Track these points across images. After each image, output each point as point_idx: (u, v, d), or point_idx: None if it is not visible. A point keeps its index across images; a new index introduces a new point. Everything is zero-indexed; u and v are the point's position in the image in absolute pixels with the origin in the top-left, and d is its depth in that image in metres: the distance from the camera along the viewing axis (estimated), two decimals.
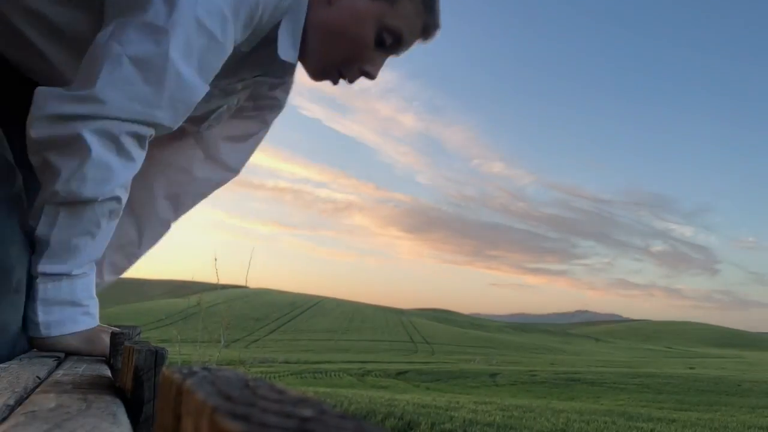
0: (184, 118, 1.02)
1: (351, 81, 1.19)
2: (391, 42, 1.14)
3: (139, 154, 1.00)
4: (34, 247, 0.98)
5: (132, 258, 1.41)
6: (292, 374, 22.61)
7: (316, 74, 1.20)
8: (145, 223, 1.40)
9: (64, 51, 1.10)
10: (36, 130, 0.92)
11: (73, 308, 1.02)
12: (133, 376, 0.57)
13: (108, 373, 0.79)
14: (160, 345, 0.62)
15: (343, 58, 1.15)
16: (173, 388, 0.26)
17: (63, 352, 1.01)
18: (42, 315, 0.98)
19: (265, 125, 1.43)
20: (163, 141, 1.30)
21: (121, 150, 0.95)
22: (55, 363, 0.86)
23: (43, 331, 0.99)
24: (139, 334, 1.29)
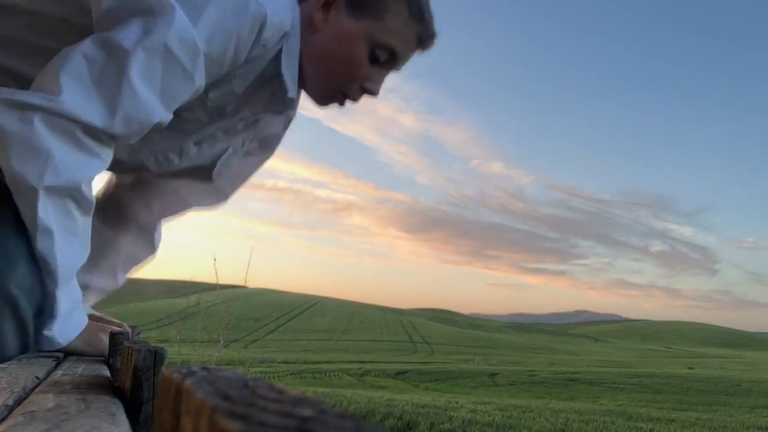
0: (138, 137, 1.01)
1: (355, 100, 1.20)
2: (386, 57, 1.14)
3: (104, 151, 0.97)
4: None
5: (117, 278, 1.45)
6: (291, 374, 22.60)
7: (321, 100, 1.21)
8: (134, 246, 1.45)
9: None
10: None
11: (77, 309, 1.03)
12: (132, 376, 0.57)
13: (107, 373, 0.79)
14: (159, 345, 0.62)
15: (342, 81, 1.16)
16: (172, 388, 0.26)
17: (62, 353, 1.01)
18: (58, 326, 0.98)
19: (268, 156, 1.44)
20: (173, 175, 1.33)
21: (79, 143, 0.93)
22: (54, 363, 0.86)
23: (63, 342, 0.99)
24: (138, 334, 1.29)
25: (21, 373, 0.69)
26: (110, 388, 0.63)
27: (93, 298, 1.42)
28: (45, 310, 0.97)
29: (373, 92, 1.19)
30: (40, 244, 0.93)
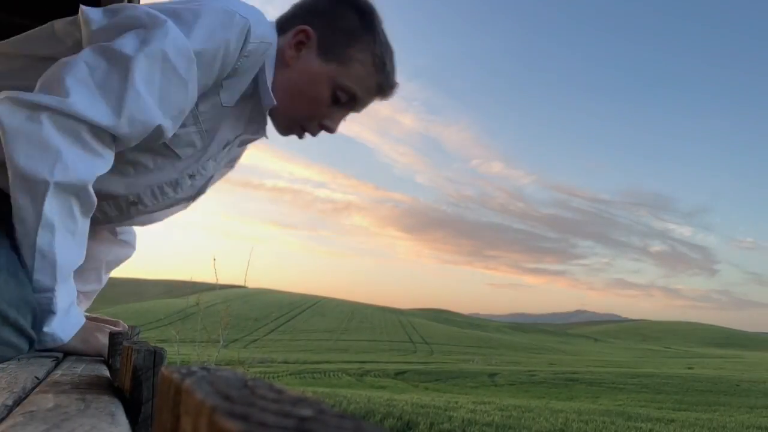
0: (139, 140, 1.04)
1: (313, 135, 1.29)
2: (346, 99, 1.23)
3: (107, 152, 1.00)
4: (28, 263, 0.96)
5: None
6: (290, 374, 22.61)
7: (282, 130, 1.29)
8: (116, 247, 1.48)
9: None
10: (2, 113, 0.92)
11: (74, 307, 1.04)
12: (132, 376, 0.57)
13: (106, 373, 0.78)
14: (159, 345, 0.62)
15: (304, 116, 1.25)
16: (172, 388, 0.26)
17: (61, 353, 1.01)
18: (58, 322, 0.98)
19: (228, 171, 1.45)
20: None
21: (85, 144, 0.95)
22: (54, 363, 0.86)
23: (64, 338, 1.00)
24: (138, 334, 1.29)
25: (20, 373, 0.69)
26: (110, 388, 0.63)
27: (84, 304, 1.43)
28: (42, 308, 0.96)
29: (331, 129, 1.27)
30: (41, 238, 0.94)
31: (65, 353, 1.02)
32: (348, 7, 1.22)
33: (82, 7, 1.03)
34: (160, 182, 1.22)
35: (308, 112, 1.24)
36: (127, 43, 0.98)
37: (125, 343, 0.72)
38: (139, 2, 2.04)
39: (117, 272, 1.56)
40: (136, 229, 1.53)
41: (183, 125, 1.14)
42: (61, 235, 0.96)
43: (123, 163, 1.12)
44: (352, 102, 1.24)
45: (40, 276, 0.95)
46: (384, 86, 1.26)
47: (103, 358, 0.99)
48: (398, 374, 24.96)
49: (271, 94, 1.19)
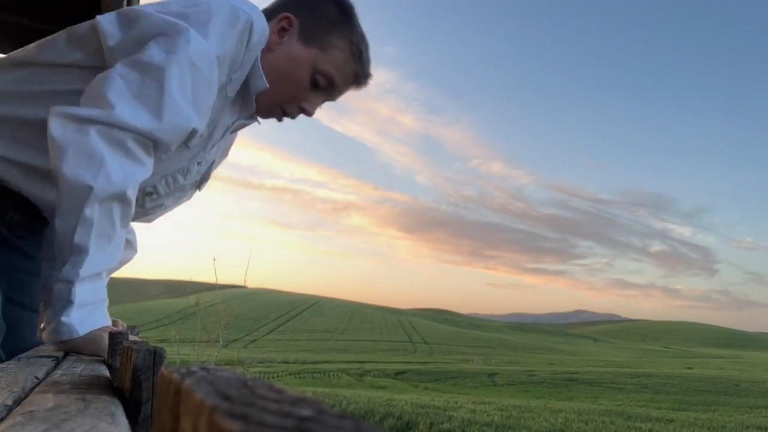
0: (177, 144, 1.12)
1: (293, 117, 1.34)
2: (325, 84, 1.29)
3: (148, 160, 1.07)
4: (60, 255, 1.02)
5: None
6: (290, 374, 22.61)
7: (262, 113, 1.34)
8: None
9: None
10: (53, 127, 0.99)
11: (100, 308, 1.07)
12: (132, 376, 0.57)
13: (106, 373, 0.78)
14: (159, 345, 0.62)
15: (284, 98, 1.30)
16: (172, 388, 0.26)
17: (62, 352, 1.01)
18: (76, 314, 1.01)
19: (222, 160, 1.50)
20: None
21: (129, 152, 1.02)
22: (54, 363, 0.86)
23: (81, 331, 1.02)
24: (137, 333, 1.29)
25: (20, 372, 0.69)
26: (109, 388, 0.63)
27: None
28: (61, 298, 1.00)
29: (309, 112, 1.33)
30: (78, 234, 0.99)
31: (66, 352, 1.02)
32: None
33: (98, 18, 1.09)
34: (173, 171, 1.28)
35: (288, 95, 1.29)
36: (154, 54, 1.04)
37: (125, 343, 0.72)
38: (139, 2, 2.04)
39: (117, 272, 1.56)
40: (139, 228, 1.54)
41: None
42: (98, 236, 1.02)
43: None
44: (330, 88, 1.30)
45: (68, 267, 1.00)
46: (360, 74, 1.33)
47: (103, 358, 0.99)
48: (398, 374, 24.97)
49: (264, 78, 1.24)
